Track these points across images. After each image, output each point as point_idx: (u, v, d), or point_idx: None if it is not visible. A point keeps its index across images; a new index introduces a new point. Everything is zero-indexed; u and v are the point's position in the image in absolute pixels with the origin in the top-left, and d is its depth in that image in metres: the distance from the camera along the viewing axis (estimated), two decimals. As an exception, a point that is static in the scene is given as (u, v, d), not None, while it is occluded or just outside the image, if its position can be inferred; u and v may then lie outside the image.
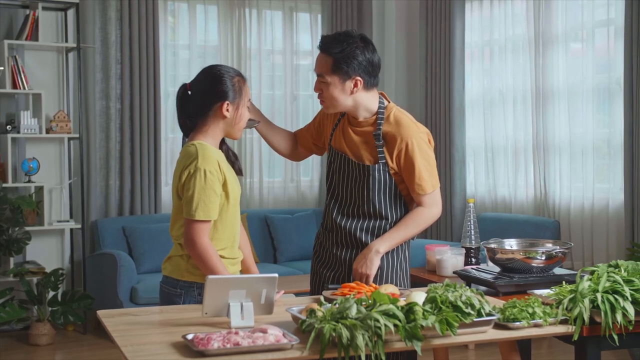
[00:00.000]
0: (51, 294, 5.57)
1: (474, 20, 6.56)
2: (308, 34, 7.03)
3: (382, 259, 2.81)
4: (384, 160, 2.78)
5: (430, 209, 2.83)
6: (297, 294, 4.27)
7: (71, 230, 5.99)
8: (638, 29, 4.99)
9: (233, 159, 2.72)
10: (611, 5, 5.36)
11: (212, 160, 2.53)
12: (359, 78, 2.75)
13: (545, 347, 5.25)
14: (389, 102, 2.88)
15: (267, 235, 6.48)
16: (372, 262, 2.76)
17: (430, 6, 6.76)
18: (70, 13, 5.99)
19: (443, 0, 6.60)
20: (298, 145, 3.12)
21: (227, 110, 2.60)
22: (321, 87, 2.79)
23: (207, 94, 2.61)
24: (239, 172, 2.74)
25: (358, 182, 2.83)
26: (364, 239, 2.83)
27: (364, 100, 2.80)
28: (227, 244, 2.63)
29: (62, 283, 5.59)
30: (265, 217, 6.52)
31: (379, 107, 2.83)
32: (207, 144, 2.59)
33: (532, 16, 5.90)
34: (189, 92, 2.67)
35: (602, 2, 5.45)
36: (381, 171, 2.79)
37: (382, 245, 2.78)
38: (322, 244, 2.96)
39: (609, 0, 5.37)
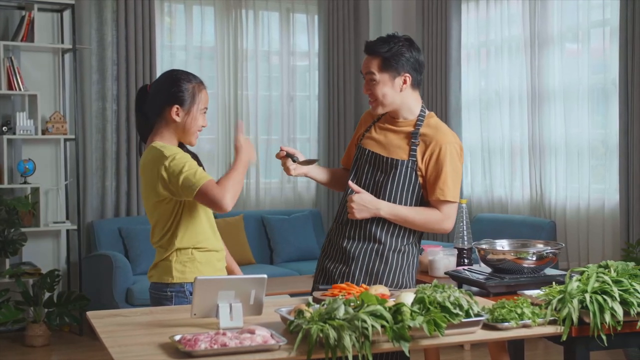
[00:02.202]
0: (47, 295, 5.58)
1: (470, 21, 6.56)
2: (305, 34, 7.03)
3: (392, 259, 2.82)
4: (415, 159, 2.80)
5: (444, 216, 2.79)
6: (292, 295, 4.27)
7: (67, 231, 5.99)
8: (633, 30, 4.99)
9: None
10: (606, 6, 5.37)
11: (173, 148, 2.61)
12: (407, 75, 2.80)
13: (541, 347, 5.25)
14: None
15: (264, 236, 6.48)
16: (364, 212, 2.76)
17: (427, 7, 6.76)
18: (66, 14, 5.99)
19: (439, 1, 6.61)
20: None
21: (177, 114, 2.64)
22: (370, 87, 2.83)
23: (161, 95, 2.65)
24: None
25: (383, 176, 2.83)
26: (378, 235, 2.82)
27: (409, 99, 2.84)
28: (208, 235, 2.67)
29: (57, 284, 5.59)
30: (261, 218, 6.52)
31: (421, 110, 2.87)
32: (164, 143, 2.65)
33: (527, 17, 5.91)
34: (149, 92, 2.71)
35: (597, 3, 5.45)
36: (409, 168, 2.80)
37: (386, 209, 2.77)
38: (331, 240, 2.97)
39: (605, 1, 5.37)
